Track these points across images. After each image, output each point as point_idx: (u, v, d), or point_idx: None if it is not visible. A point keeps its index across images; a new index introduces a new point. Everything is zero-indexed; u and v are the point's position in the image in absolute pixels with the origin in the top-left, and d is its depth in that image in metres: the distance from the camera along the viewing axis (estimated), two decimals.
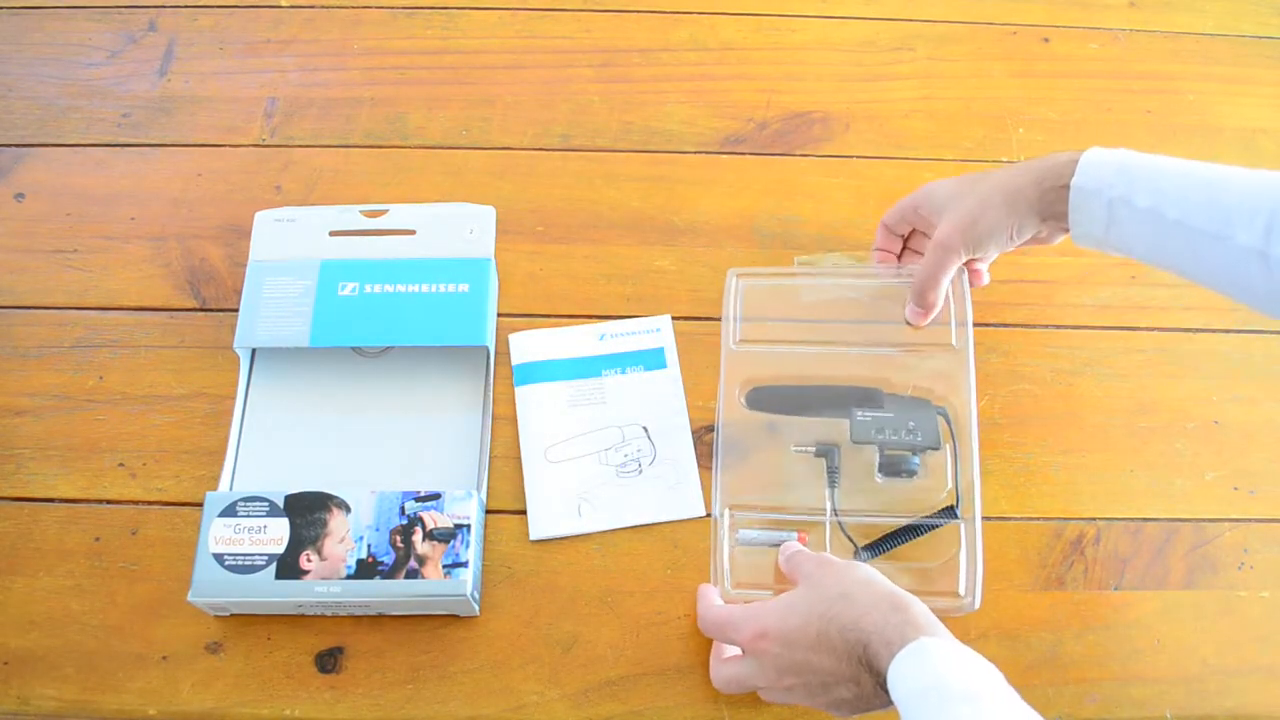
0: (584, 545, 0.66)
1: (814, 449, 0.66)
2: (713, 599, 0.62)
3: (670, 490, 0.67)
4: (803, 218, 0.77)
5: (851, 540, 0.63)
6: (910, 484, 0.65)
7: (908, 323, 0.68)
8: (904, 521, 0.64)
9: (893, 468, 0.64)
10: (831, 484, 0.65)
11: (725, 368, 0.68)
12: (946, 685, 0.48)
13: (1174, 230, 0.57)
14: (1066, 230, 0.62)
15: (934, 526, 0.63)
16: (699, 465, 0.68)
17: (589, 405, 0.70)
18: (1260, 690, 0.63)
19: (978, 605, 0.61)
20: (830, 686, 0.53)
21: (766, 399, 0.68)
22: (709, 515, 0.66)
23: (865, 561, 0.63)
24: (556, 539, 0.66)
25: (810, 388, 0.68)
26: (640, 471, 0.68)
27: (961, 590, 0.62)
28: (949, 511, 0.63)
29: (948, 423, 0.65)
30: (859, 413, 0.65)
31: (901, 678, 0.49)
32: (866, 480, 0.65)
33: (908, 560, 0.64)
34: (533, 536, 0.66)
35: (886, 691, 0.50)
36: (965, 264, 0.66)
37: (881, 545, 0.63)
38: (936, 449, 0.64)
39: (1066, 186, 0.60)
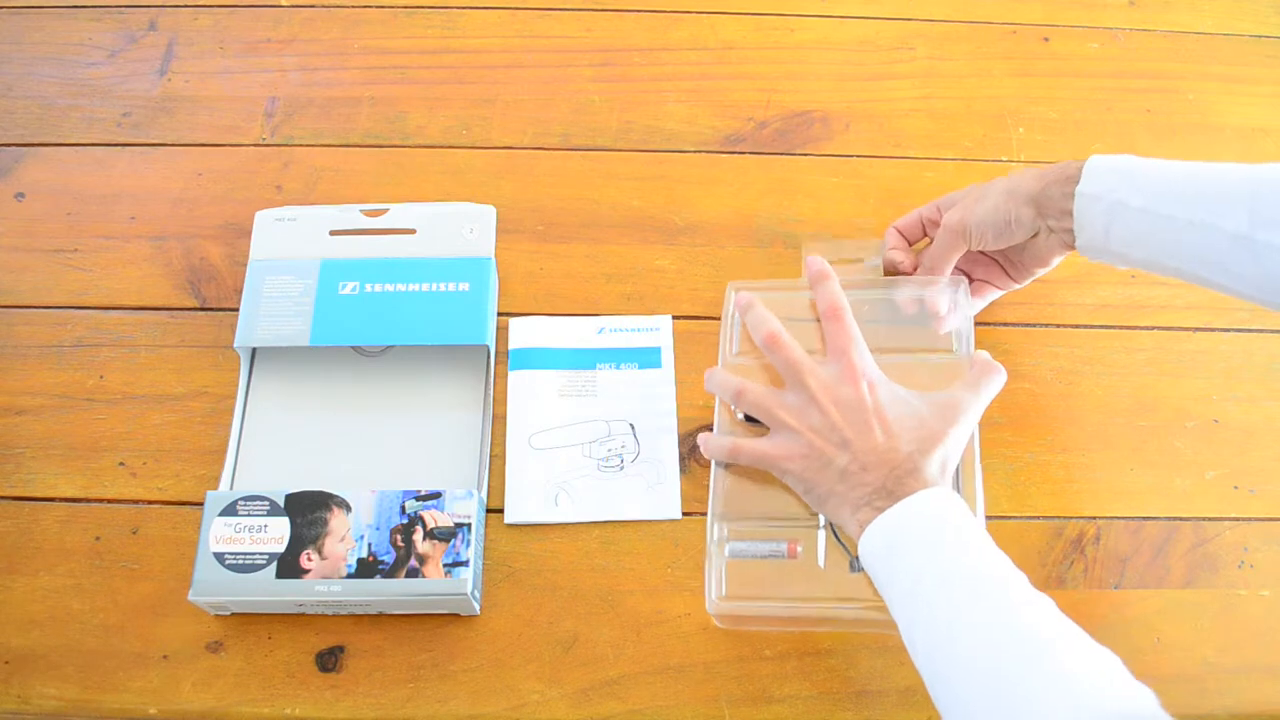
0: (585, 544, 0.66)
1: None
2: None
3: (649, 489, 0.67)
4: (803, 217, 0.77)
5: (846, 549, 0.63)
6: None
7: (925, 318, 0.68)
8: None
9: None
10: None
11: (718, 404, 0.67)
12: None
13: (1165, 225, 0.58)
14: (1064, 239, 0.62)
15: None
16: (681, 467, 0.68)
17: (579, 396, 0.70)
18: (1261, 689, 0.63)
19: None
20: (850, 474, 0.57)
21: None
22: (685, 516, 0.66)
23: (859, 572, 0.62)
24: (546, 532, 0.66)
25: None
26: (622, 467, 0.68)
27: None
28: None
29: None
30: None
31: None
32: None
33: None
34: (508, 520, 0.66)
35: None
36: (973, 280, 0.68)
37: None
38: None
39: (1070, 181, 0.60)
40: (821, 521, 0.63)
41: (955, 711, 0.50)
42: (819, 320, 0.64)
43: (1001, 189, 0.64)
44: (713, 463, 0.65)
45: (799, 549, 0.63)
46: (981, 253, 0.68)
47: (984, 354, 0.63)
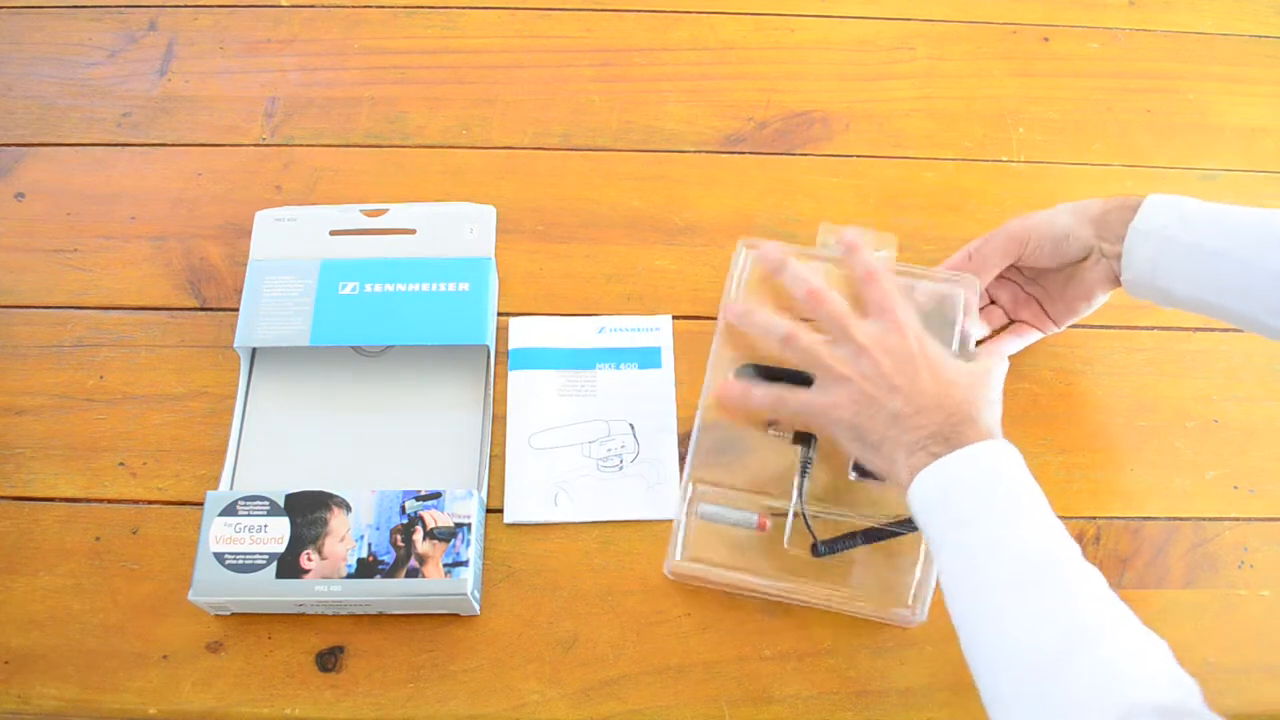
0: (585, 544, 0.66)
1: (790, 435, 0.64)
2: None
3: (649, 489, 0.67)
4: (803, 217, 0.77)
5: (812, 533, 0.62)
6: (882, 487, 0.64)
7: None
8: (867, 524, 0.63)
9: (866, 468, 0.64)
10: (802, 473, 0.63)
11: (719, 340, 0.66)
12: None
13: (1211, 261, 0.58)
14: (1113, 268, 0.63)
15: (895, 534, 0.63)
16: (680, 467, 0.68)
17: (579, 396, 0.70)
18: (1261, 689, 0.63)
19: (923, 619, 0.61)
20: (903, 417, 0.55)
21: (759, 375, 0.65)
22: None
23: (821, 556, 0.63)
24: (546, 531, 0.66)
25: (803, 373, 0.66)
26: (621, 467, 0.68)
27: (909, 601, 0.62)
28: (910, 522, 0.62)
29: None
30: None
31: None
32: (840, 477, 0.64)
33: (865, 563, 0.63)
34: (507, 520, 0.66)
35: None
36: (1014, 321, 0.70)
37: (839, 543, 0.63)
38: None
39: (1130, 210, 0.61)
40: (793, 503, 0.63)
41: (986, 679, 0.49)
42: (853, 292, 0.63)
43: (1066, 207, 0.65)
44: (697, 421, 0.64)
45: (768, 523, 0.63)
46: (1025, 291, 0.69)
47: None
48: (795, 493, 0.63)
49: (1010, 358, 0.71)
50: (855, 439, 0.58)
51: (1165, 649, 0.47)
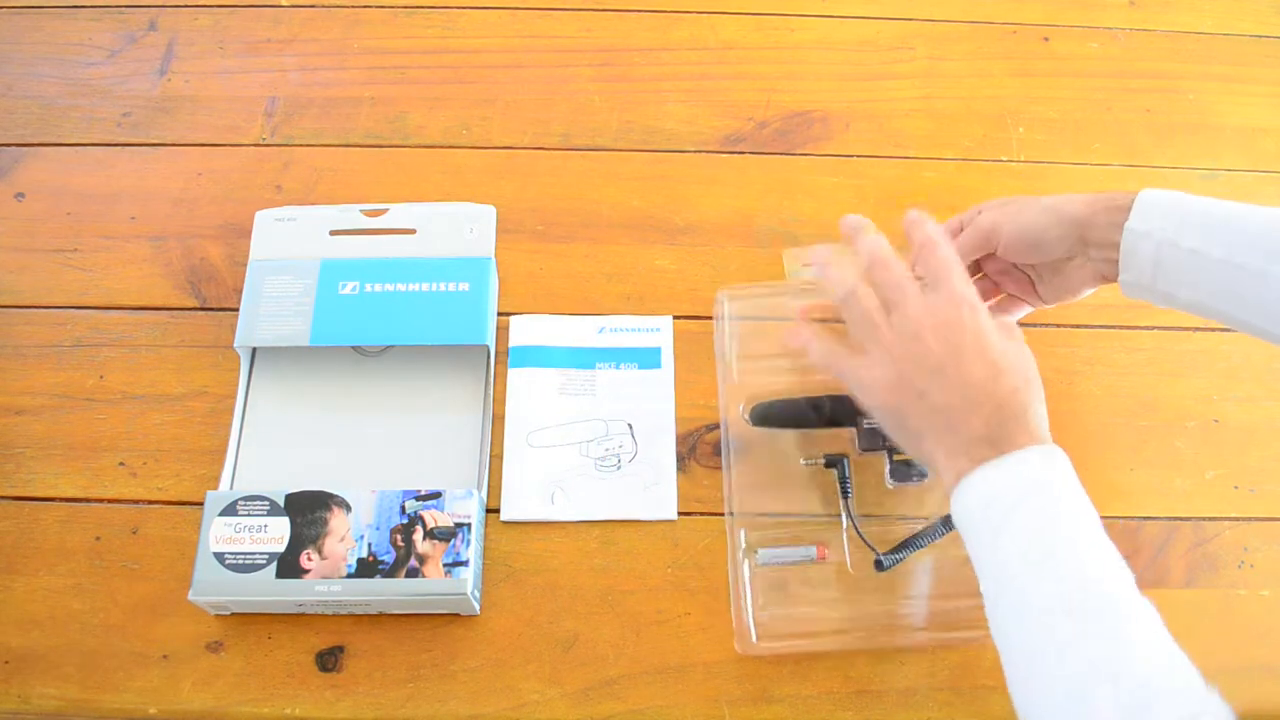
0: (585, 544, 0.66)
1: (824, 460, 0.66)
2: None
3: (646, 490, 0.67)
4: (803, 217, 0.77)
5: (873, 548, 0.63)
6: (920, 487, 0.65)
7: None
8: (920, 525, 0.64)
9: (903, 473, 0.65)
10: (845, 494, 0.65)
11: (725, 388, 0.68)
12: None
13: (1218, 270, 0.56)
14: (1101, 270, 0.61)
15: (949, 530, 0.63)
16: (679, 467, 0.68)
17: (578, 395, 0.70)
18: (1261, 689, 0.63)
19: None
20: (946, 411, 0.52)
21: (771, 414, 0.67)
22: (682, 516, 0.66)
23: (885, 570, 0.62)
24: (545, 531, 0.66)
25: (814, 399, 0.67)
26: (619, 467, 0.68)
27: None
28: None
29: None
30: (865, 421, 0.65)
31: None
32: (877, 488, 0.65)
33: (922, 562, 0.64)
34: (504, 517, 0.66)
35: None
36: (1006, 294, 0.67)
37: (899, 551, 0.63)
38: None
39: (1119, 211, 0.59)
40: (844, 525, 0.63)
41: (1021, 695, 0.48)
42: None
43: (1044, 204, 0.62)
44: (728, 471, 0.65)
45: (827, 552, 0.63)
46: (1015, 266, 0.67)
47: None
48: (844, 515, 0.64)
49: None
50: (896, 426, 0.56)
51: (1220, 707, 0.44)
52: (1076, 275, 0.63)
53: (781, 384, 0.68)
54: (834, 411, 0.66)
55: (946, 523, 0.63)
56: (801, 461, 0.66)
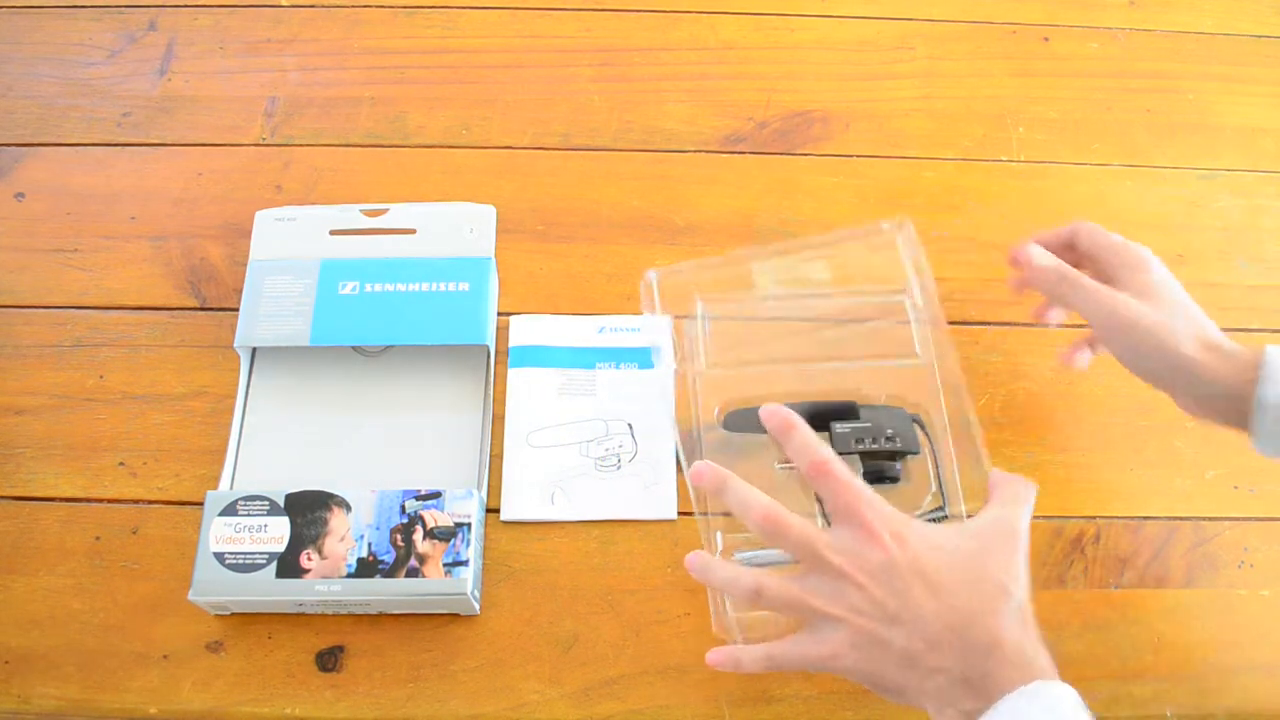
0: (585, 544, 0.66)
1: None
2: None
3: (646, 489, 0.67)
4: (803, 217, 0.77)
5: None
6: (895, 489, 0.65)
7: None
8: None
9: (877, 475, 0.64)
10: (823, 513, 0.64)
11: (700, 392, 0.67)
12: None
13: None
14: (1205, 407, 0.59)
15: (939, 518, 0.63)
16: (679, 468, 0.68)
17: (578, 395, 0.70)
18: (1261, 688, 0.63)
19: None
20: (914, 657, 0.47)
21: (745, 420, 0.67)
22: (682, 516, 0.66)
23: None
24: (545, 531, 0.66)
25: (789, 405, 0.67)
26: (619, 467, 0.68)
27: None
28: (938, 512, 0.63)
29: (922, 428, 0.65)
30: (838, 425, 0.65)
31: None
32: None
33: None
34: (503, 517, 0.66)
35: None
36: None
37: None
38: (916, 453, 0.64)
39: (1248, 382, 0.56)
40: (821, 525, 0.63)
41: None
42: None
43: (1166, 343, 0.57)
44: (692, 496, 0.63)
45: None
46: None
47: (998, 471, 0.57)
48: (820, 518, 0.63)
49: (1010, 358, 0.71)
50: (874, 686, 0.51)
51: None
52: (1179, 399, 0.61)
53: (758, 389, 0.68)
54: (807, 416, 0.66)
55: (931, 513, 0.63)
56: (776, 465, 0.65)
